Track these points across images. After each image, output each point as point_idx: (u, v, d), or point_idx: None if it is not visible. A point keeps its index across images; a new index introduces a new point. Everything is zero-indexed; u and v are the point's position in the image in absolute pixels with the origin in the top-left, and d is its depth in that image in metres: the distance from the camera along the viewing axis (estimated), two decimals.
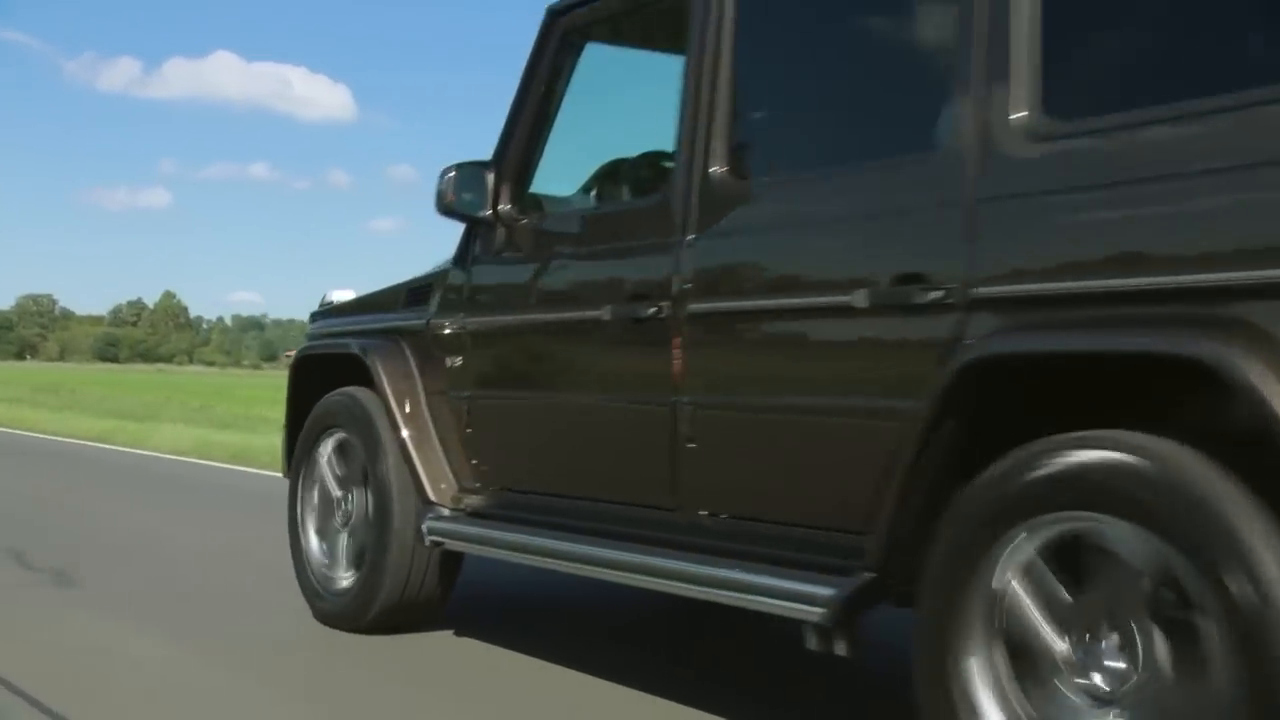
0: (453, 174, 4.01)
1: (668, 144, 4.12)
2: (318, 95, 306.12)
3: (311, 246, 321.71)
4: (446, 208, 4.04)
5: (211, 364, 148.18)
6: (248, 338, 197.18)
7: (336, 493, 4.74)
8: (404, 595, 4.41)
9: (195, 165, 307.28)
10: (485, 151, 4.08)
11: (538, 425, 3.98)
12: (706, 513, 3.34)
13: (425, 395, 4.39)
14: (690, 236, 3.35)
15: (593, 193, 4.21)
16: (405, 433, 4.34)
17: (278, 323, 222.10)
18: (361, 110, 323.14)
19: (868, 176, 3.00)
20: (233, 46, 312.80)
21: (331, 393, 4.74)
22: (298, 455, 4.91)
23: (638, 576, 3.44)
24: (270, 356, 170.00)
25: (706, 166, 3.35)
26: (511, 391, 4.09)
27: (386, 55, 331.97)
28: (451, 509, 4.26)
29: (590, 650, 4.35)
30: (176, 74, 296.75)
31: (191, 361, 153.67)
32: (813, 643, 2.91)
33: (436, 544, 4.24)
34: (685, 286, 3.33)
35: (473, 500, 4.22)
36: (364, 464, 4.52)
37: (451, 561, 4.45)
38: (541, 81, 3.99)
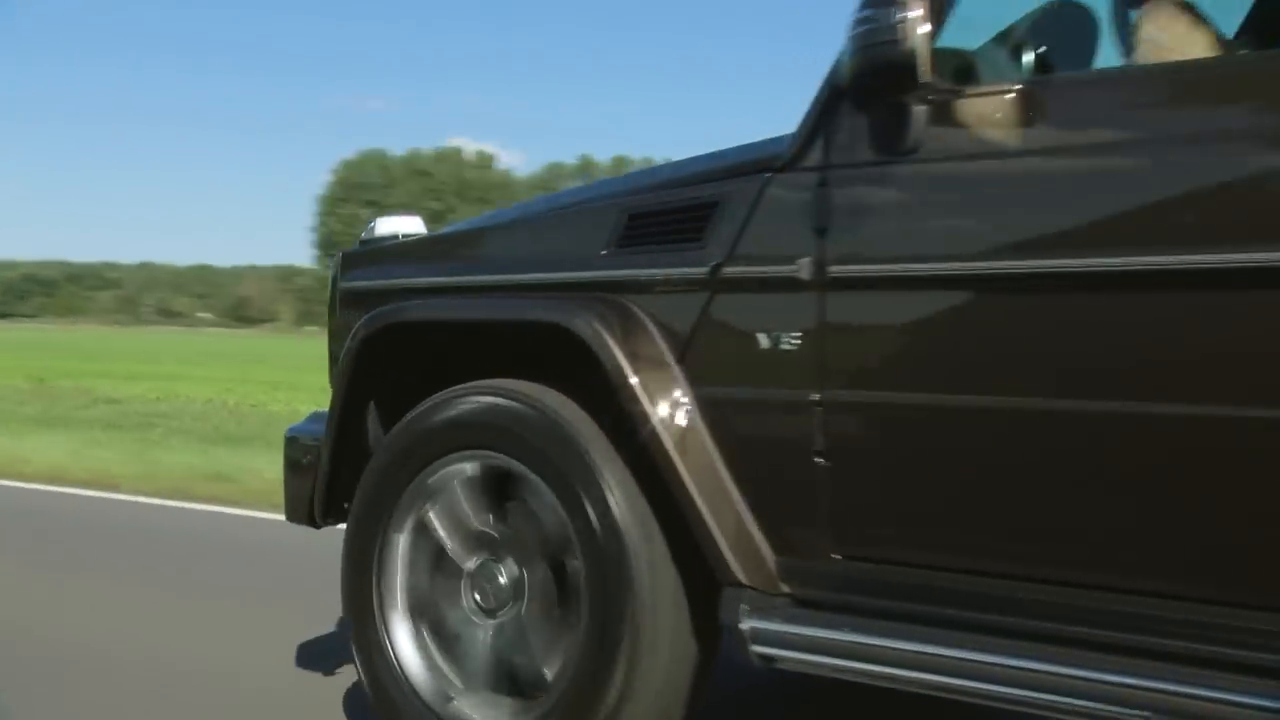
0: (908, 13, 2.16)
1: None
2: None
3: None
4: (896, 63, 2.20)
5: None
6: None
7: (467, 562, 2.80)
8: None
9: None
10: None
11: (1026, 453, 2.22)
12: None
13: (696, 397, 2.54)
14: None
15: (1027, 53, 2.50)
16: (675, 460, 2.48)
17: None
18: None
19: None
20: None
21: (466, 393, 2.77)
22: (368, 494, 2.90)
23: None
24: None
25: None
26: (954, 394, 2.26)
27: None
28: (760, 593, 2.47)
29: None
30: None
31: None
32: None
33: (767, 661, 2.43)
34: None
35: (820, 582, 2.44)
36: (549, 511, 2.63)
37: (706, 672, 2.65)
38: None
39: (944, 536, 2.31)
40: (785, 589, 2.46)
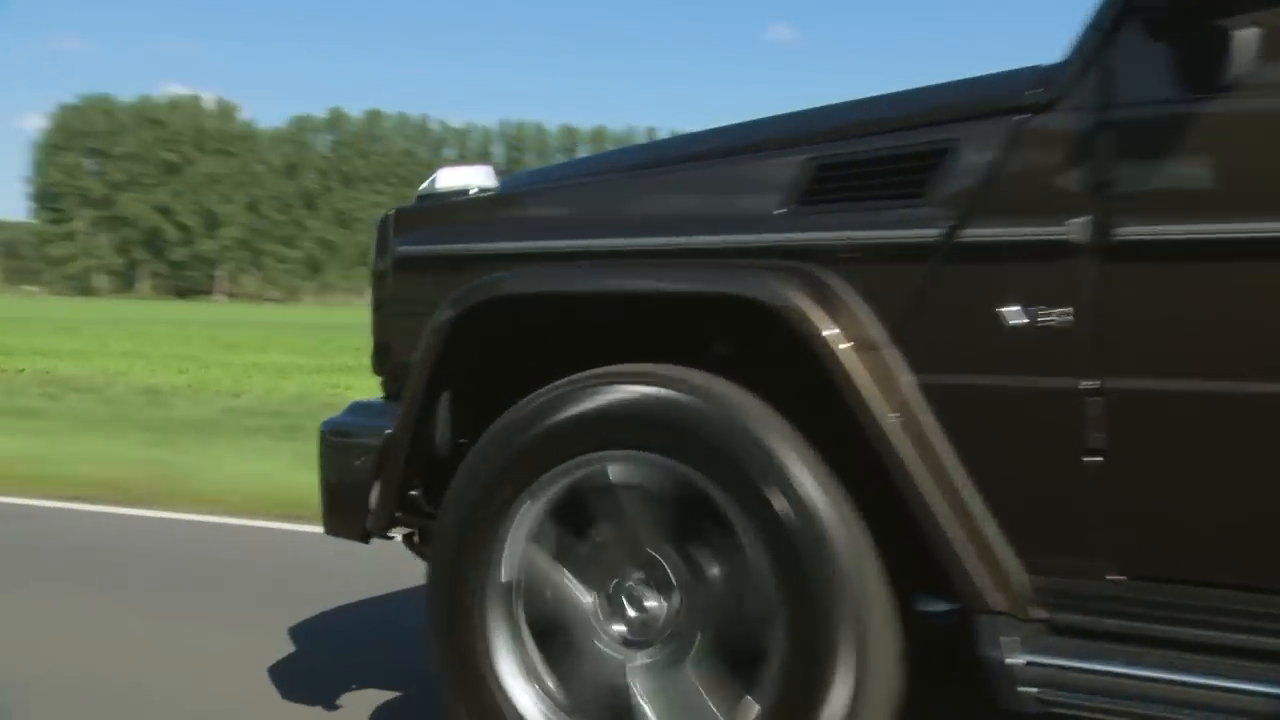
0: None
1: None
2: None
3: None
4: None
5: None
6: None
7: (583, 597, 2.32)
8: None
9: None
10: None
11: None
12: None
13: (921, 385, 2.11)
14: None
15: None
16: (906, 461, 2.05)
17: None
18: None
19: None
20: None
21: (602, 381, 2.26)
22: (455, 505, 2.37)
23: None
24: None
25: None
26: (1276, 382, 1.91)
27: None
28: (1012, 618, 2.06)
29: None
30: None
31: None
32: None
33: (1042, 704, 2.02)
34: None
35: (1090, 606, 2.04)
36: (724, 523, 2.18)
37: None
38: None
39: (1264, 550, 1.94)
40: (1040, 614, 2.07)
